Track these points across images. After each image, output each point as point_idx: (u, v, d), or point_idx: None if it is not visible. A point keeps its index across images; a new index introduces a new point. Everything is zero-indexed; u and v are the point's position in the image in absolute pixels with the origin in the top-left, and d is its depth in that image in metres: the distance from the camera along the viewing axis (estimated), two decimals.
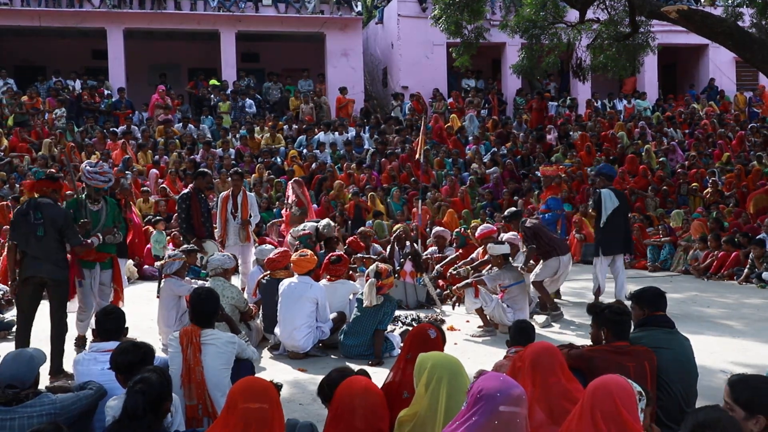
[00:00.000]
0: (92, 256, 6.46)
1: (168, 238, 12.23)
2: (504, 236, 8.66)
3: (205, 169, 9.39)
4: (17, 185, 14.60)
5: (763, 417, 2.77)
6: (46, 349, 3.94)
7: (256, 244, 9.07)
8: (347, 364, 5.74)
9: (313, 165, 16.50)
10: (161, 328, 7.01)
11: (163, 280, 7.21)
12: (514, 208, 8.99)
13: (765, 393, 2.82)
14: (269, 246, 8.43)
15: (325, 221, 9.43)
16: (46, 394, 3.51)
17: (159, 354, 4.47)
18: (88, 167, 6.68)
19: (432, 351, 3.57)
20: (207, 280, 8.12)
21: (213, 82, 20.89)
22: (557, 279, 8.53)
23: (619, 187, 15.54)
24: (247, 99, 19.78)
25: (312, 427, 3.65)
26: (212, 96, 19.94)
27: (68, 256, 6.19)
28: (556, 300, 8.58)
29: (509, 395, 2.69)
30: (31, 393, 3.46)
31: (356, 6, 22.54)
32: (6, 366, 3.59)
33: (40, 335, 7.65)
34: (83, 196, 6.67)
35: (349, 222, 13.90)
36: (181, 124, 18.78)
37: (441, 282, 9.71)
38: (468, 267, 8.48)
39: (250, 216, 9.13)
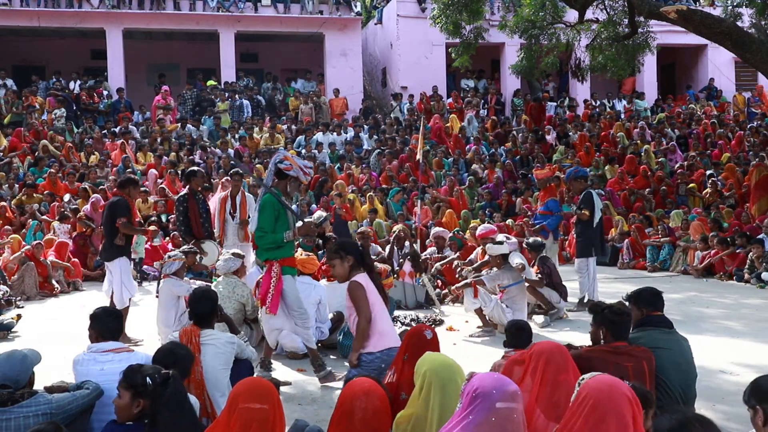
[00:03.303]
0: (294, 262, 5.91)
1: (168, 238, 12.27)
2: (502, 236, 8.64)
3: (195, 168, 9.30)
4: (16, 185, 14.62)
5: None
6: (43, 349, 3.92)
7: None
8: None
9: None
10: (160, 328, 6.99)
11: (162, 280, 7.20)
12: (538, 240, 8.91)
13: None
14: None
15: (317, 214, 9.40)
16: (41, 394, 3.49)
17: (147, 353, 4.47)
18: (301, 161, 5.90)
19: (430, 352, 3.56)
20: (209, 281, 8.14)
21: (210, 82, 20.91)
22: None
23: (618, 188, 15.66)
24: (240, 99, 19.72)
25: None
26: (211, 96, 19.94)
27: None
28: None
29: (505, 391, 2.69)
30: (26, 393, 3.44)
31: (355, 6, 22.54)
32: None
33: (38, 335, 7.66)
34: (277, 191, 5.71)
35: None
36: (180, 124, 18.78)
37: (439, 282, 9.71)
38: (469, 268, 8.47)
39: (249, 216, 9.14)
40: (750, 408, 2.85)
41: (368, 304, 4.29)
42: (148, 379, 3.20)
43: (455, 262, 9.42)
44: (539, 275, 8.21)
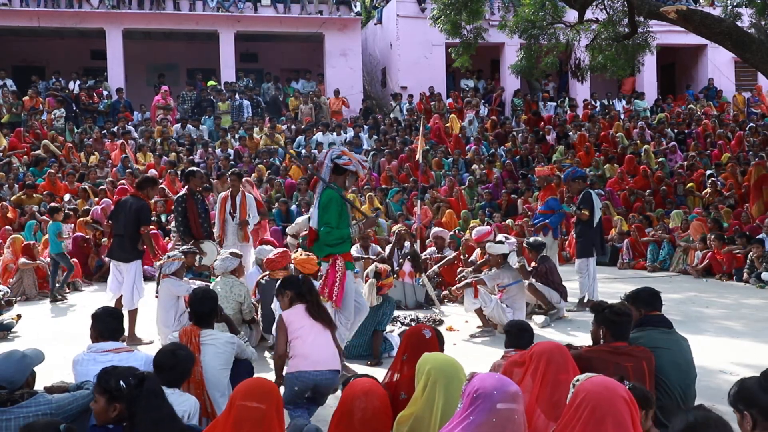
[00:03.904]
0: (351, 257, 5.89)
1: (167, 238, 12.28)
2: (502, 236, 8.65)
3: (194, 168, 9.29)
4: (16, 185, 14.61)
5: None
6: (43, 349, 3.91)
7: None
8: (346, 364, 5.74)
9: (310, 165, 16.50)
10: (160, 329, 6.99)
11: (161, 281, 7.19)
12: (539, 239, 8.95)
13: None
14: (268, 246, 8.42)
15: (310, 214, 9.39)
16: (41, 394, 3.48)
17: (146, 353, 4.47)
18: (357, 154, 5.85)
19: (430, 352, 3.55)
20: (207, 281, 8.13)
21: (211, 83, 20.90)
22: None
23: (617, 188, 15.65)
24: (240, 99, 19.72)
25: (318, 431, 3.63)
26: (211, 96, 19.94)
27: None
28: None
29: (506, 392, 2.68)
30: (26, 393, 3.43)
31: (355, 6, 22.55)
32: None
33: (37, 335, 7.66)
34: (336, 186, 5.62)
35: None
36: (179, 124, 18.78)
37: (438, 282, 9.71)
38: (469, 269, 8.47)
39: (249, 216, 9.14)
40: (736, 412, 2.81)
41: (284, 342, 4.60)
42: (121, 382, 3.17)
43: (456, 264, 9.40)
44: (534, 270, 8.22)
